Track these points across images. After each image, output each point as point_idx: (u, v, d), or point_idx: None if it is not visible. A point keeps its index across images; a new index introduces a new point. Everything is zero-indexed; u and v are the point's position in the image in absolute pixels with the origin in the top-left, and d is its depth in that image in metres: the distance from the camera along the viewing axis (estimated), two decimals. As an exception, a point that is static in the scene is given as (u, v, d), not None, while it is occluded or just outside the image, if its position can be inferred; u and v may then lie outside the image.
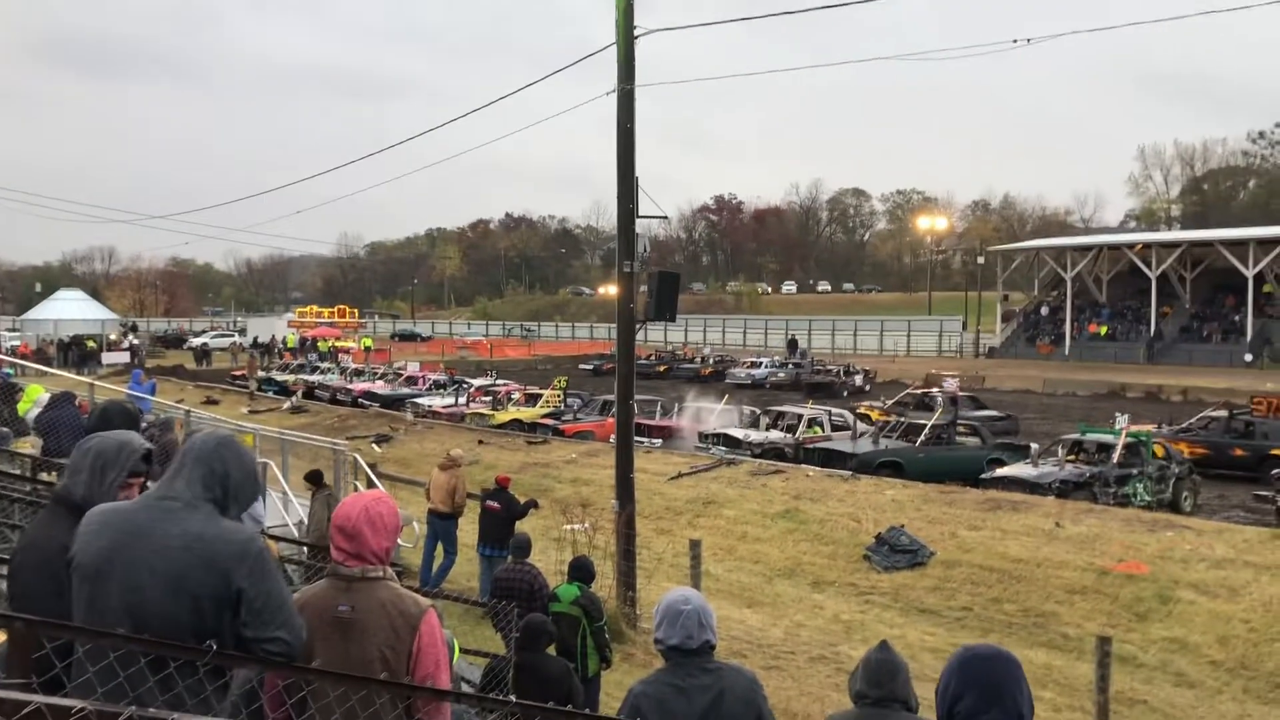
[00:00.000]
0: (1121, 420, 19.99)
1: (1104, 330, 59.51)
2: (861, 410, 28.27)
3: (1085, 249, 63.65)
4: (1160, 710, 10.14)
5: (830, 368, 47.41)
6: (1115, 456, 18.57)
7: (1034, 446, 20.82)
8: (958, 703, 2.43)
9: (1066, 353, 58.27)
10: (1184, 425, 24.80)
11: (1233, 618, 12.15)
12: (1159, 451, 19.59)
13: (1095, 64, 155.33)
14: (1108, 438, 19.55)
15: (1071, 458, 19.35)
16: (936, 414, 23.61)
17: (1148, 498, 18.29)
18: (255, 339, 68.58)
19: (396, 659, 3.16)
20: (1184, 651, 11.65)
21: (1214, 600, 12.63)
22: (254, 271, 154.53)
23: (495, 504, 12.61)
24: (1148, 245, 60.43)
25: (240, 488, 3.04)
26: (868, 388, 42.65)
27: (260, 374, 43.66)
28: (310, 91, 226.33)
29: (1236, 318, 55.13)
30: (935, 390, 29.36)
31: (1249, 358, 51.53)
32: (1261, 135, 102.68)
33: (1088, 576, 13.63)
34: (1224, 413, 24.47)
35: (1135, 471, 18.52)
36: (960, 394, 29.98)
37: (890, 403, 30.14)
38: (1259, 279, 53.28)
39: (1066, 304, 60.65)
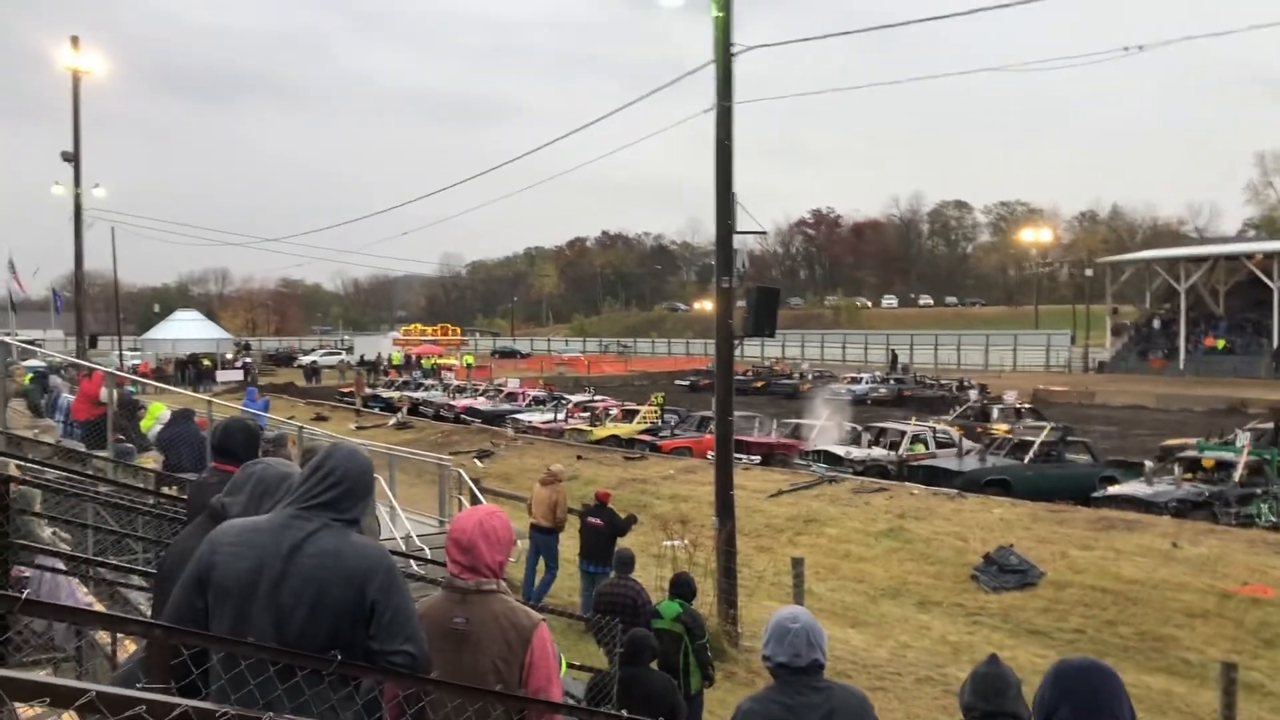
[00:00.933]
0: (1243, 437, 19.19)
1: (1221, 344, 57.15)
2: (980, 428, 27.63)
3: (1200, 259, 61.26)
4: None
5: (942, 383, 46.50)
6: (1237, 475, 17.82)
7: (1148, 464, 20.09)
8: (1053, 714, 2.38)
9: (1181, 367, 56.13)
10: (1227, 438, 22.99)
11: (1368, 645, 11.54)
12: None
13: (1209, 70, 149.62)
14: (1228, 455, 18.78)
15: (1189, 476, 18.63)
16: (1045, 431, 22.97)
17: (1274, 518, 17.48)
18: (362, 357, 70.42)
19: (509, 671, 3.23)
20: (1315, 680, 11.08)
21: (1347, 626, 12.01)
22: (360, 291, 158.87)
23: (597, 520, 12.69)
24: (1268, 255, 57.86)
25: (360, 488, 3.12)
26: (983, 403, 41.29)
27: (367, 391, 44.78)
28: (414, 116, 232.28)
29: (1366, 329, 52.46)
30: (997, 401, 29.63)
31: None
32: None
33: (1209, 599, 13.08)
34: (1269, 425, 22.37)
35: (1259, 491, 17.73)
36: (1022, 406, 31.72)
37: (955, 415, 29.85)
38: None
39: (1180, 317, 58.44)
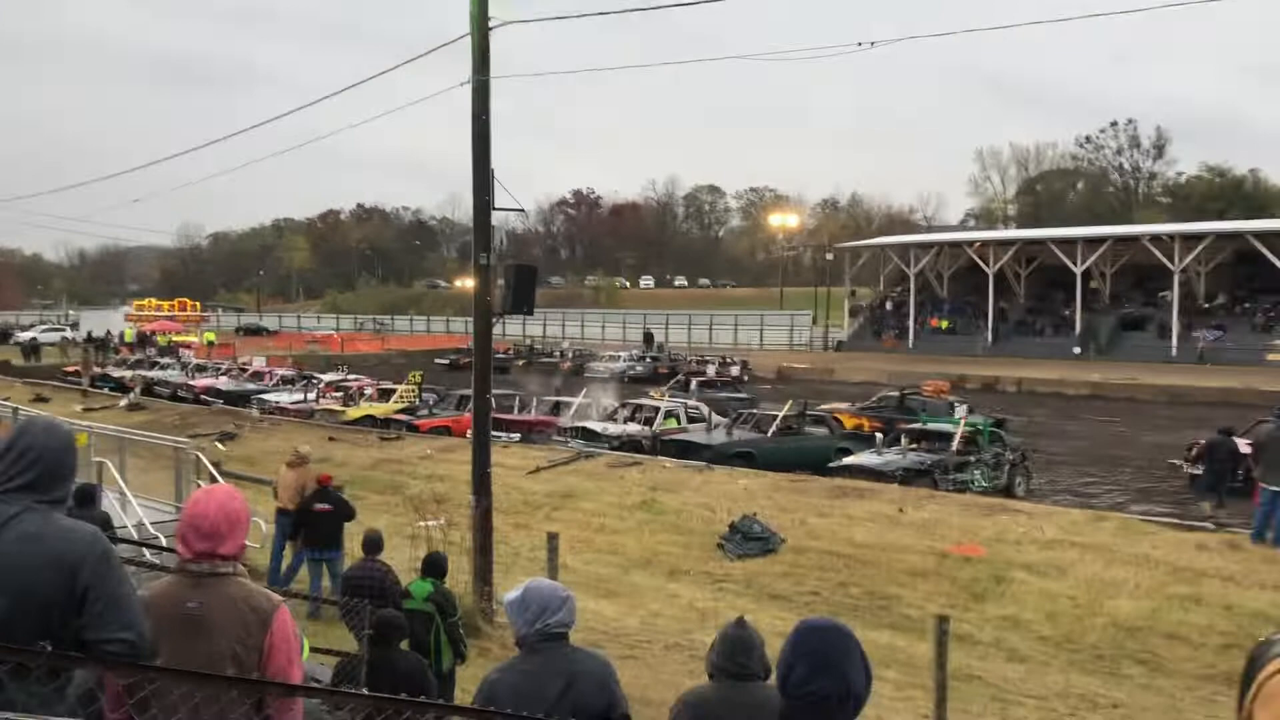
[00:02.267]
0: (960, 410, 20.95)
1: (945, 324, 62.24)
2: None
3: (927, 246, 66.42)
4: (994, 685, 10.68)
5: (706, 359, 48.31)
6: (954, 445, 19.46)
7: (878, 436, 21.62)
8: (790, 671, 2.52)
9: (911, 346, 60.67)
10: (866, 404, 28.14)
11: (1059, 595, 12.90)
12: (848, 423, 22.53)
13: (938, 68, 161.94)
14: (947, 427, 20.46)
15: (914, 446, 20.16)
16: (786, 406, 24.23)
17: (985, 484, 19.23)
18: (89, 333, 65.10)
19: (248, 655, 3.10)
20: (1016, 629, 12.30)
21: (1044, 579, 13.38)
22: (88, 263, 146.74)
23: (326, 505, 12.39)
24: (985, 243, 63.53)
25: (63, 466, 2.94)
26: (745, 379, 43.33)
27: (95, 370, 41.46)
28: (154, 79, 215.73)
29: (1066, 312, 58.44)
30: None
31: (1077, 350, 54.77)
32: (1089, 139, 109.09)
33: (929, 560, 14.24)
34: (896, 393, 27.84)
35: (973, 459, 19.45)
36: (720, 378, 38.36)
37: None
38: (1086, 276, 56.60)
39: (910, 299, 63.09)
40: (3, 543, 2.71)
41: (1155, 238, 55.46)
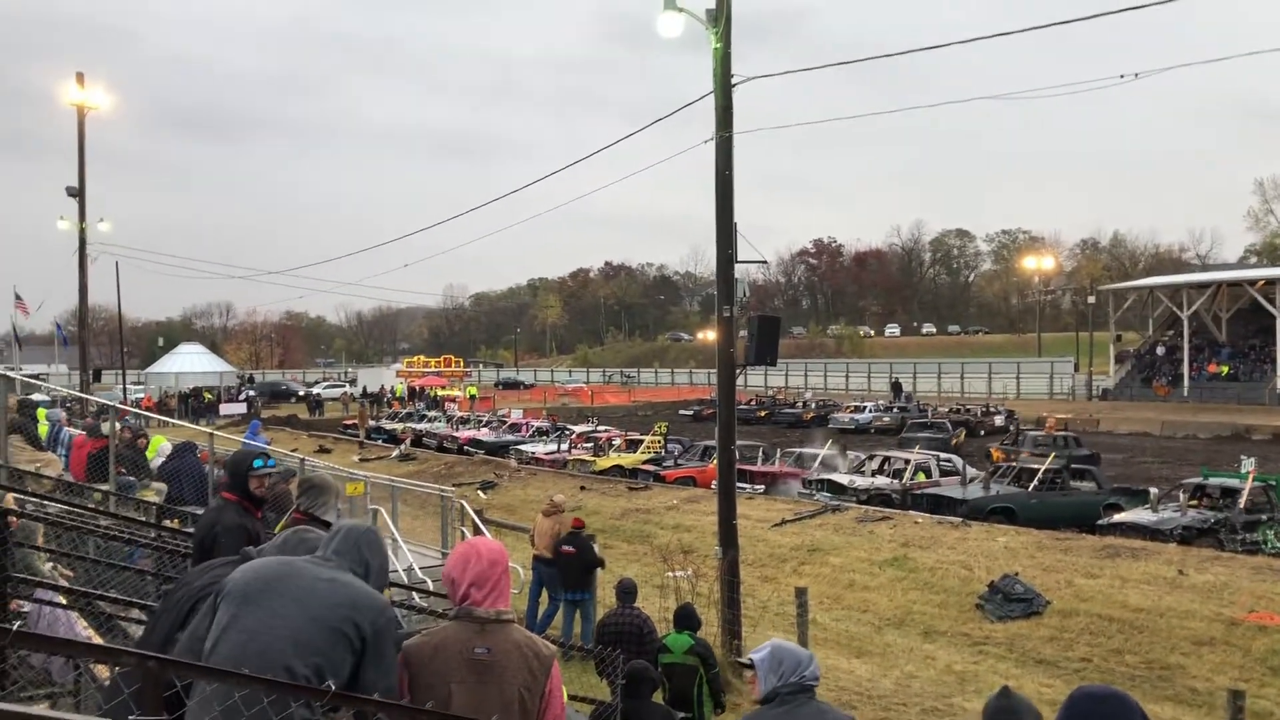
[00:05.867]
0: (1248, 464, 19.12)
1: (1225, 370, 57.08)
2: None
3: (1203, 286, 61.32)
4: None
5: (970, 409, 46.38)
6: (1242, 501, 17.74)
7: (1153, 491, 20.01)
8: None
9: (1185, 394, 56.04)
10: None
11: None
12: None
13: (1205, 98, 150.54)
14: (1233, 482, 18.70)
15: (1194, 503, 18.54)
16: (1049, 459, 22.91)
17: (1279, 544, 17.40)
18: (365, 389, 70.36)
19: (532, 700, 3.27)
20: (1325, 708, 10.98)
21: (1356, 653, 11.91)
22: (364, 324, 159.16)
23: (570, 548, 12.74)
24: (1270, 281, 57.91)
25: (378, 574, 3.26)
26: (1011, 428, 40.77)
27: (370, 423, 44.77)
28: (418, 153, 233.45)
29: (1369, 355, 52.36)
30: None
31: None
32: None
33: (1216, 627, 12.99)
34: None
35: (1265, 517, 17.65)
36: (1057, 434, 31.70)
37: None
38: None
39: (1184, 343, 58.42)
40: (319, 581, 3.02)
41: None
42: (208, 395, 59.50)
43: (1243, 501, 17.72)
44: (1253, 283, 59.19)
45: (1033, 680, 12.24)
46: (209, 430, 14.44)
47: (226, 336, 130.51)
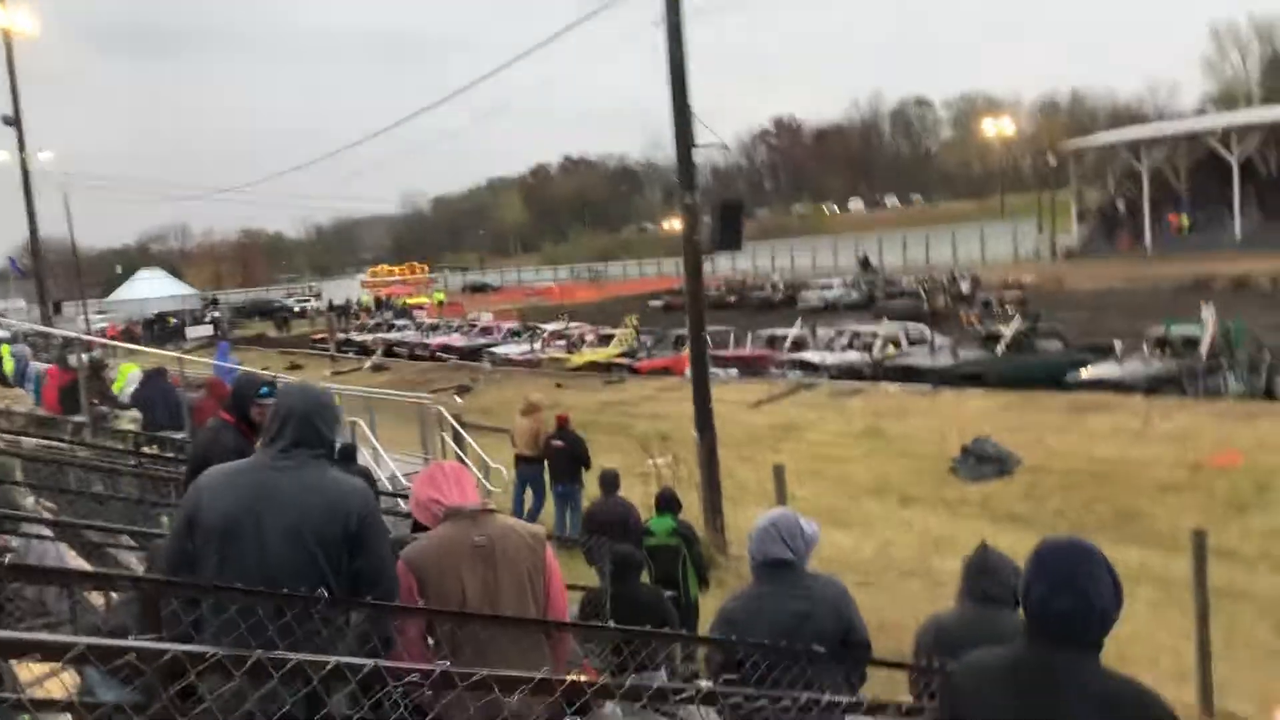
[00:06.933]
0: (1207, 312, 19.44)
1: (1186, 221, 57.51)
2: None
3: (1161, 140, 61.29)
4: (1264, 599, 10.00)
5: (937, 279, 46.24)
6: (1203, 349, 18.11)
7: (1118, 345, 20.36)
8: (1030, 590, 2.45)
9: (1148, 248, 56.53)
10: None
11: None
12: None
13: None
14: (1194, 330, 19.06)
15: (1159, 354, 18.91)
16: (1015, 320, 23.22)
17: (1240, 388, 17.83)
18: (330, 302, 69.75)
19: (537, 579, 3.41)
20: (1285, 540, 11.43)
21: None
22: (324, 236, 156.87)
23: (560, 442, 12.88)
24: (1227, 130, 57.92)
25: (320, 422, 3.23)
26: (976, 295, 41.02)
27: (339, 336, 44.55)
28: (362, 57, 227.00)
29: (1328, 198, 52.83)
30: None
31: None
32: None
33: (1180, 473, 13.41)
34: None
35: (1224, 362, 18.05)
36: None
37: None
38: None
39: (1144, 198, 58.66)
40: (286, 490, 3.02)
41: None
42: (172, 320, 58.86)
43: (1204, 349, 18.09)
44: (1211, 133, 59.20)
45: (1007, 537, 12.52)
46: (177, 355, 14.37)
47: (186, 259, 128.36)
